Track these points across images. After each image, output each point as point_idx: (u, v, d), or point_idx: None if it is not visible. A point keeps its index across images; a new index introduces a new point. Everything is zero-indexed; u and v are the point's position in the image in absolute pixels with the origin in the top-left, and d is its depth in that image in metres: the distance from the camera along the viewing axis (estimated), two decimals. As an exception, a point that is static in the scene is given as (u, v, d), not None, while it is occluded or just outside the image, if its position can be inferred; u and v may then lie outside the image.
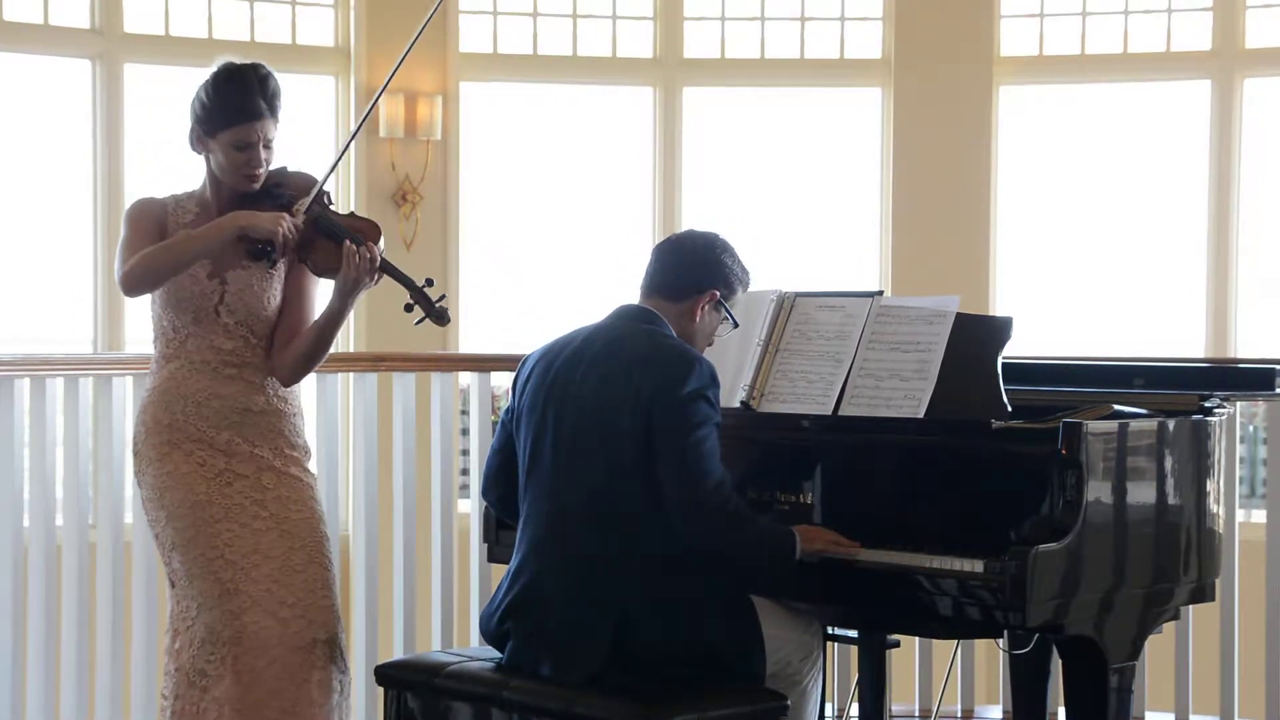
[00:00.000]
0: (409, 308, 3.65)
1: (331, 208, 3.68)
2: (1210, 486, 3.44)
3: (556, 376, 3.34)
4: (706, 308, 3.40)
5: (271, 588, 3.57)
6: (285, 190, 3.64)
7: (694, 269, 3.40)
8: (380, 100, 7.67)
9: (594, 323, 3.43)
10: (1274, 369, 3.63)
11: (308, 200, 3.62)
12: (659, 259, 3.44)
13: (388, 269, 3.61)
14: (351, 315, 3.72)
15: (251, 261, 3.61)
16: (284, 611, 3.57)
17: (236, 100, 3.56)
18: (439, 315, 3.65)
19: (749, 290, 3.52)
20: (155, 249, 3.55)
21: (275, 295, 3.66)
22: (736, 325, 3.49)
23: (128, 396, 4.41)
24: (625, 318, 3.40)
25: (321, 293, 3.72)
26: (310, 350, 3.67)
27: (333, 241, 3.60)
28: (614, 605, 3.18)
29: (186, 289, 3.59)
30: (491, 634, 3.39)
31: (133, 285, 3.56)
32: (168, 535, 3.58)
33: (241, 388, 3.62)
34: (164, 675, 3.64)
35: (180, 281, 3.58)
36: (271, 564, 3.58)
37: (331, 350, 3.70)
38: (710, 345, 3.47)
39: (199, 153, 3.65)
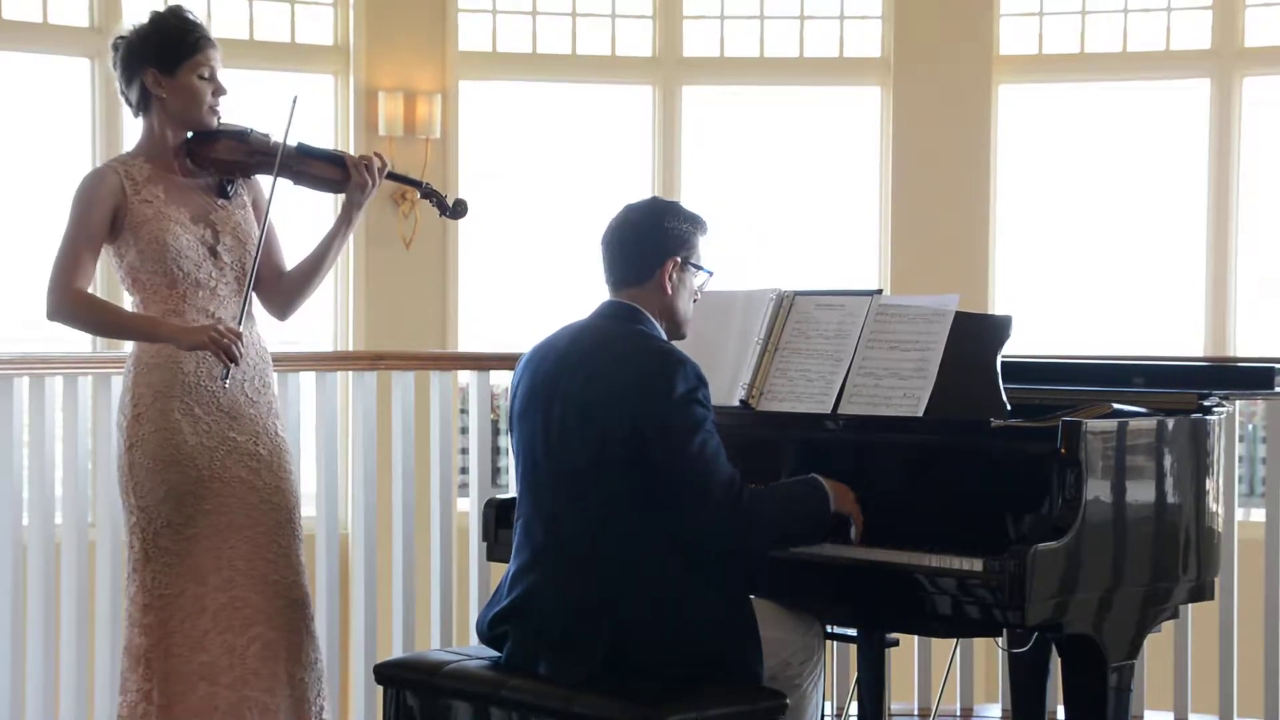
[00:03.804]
0: (427, 195, 3.74)
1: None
2: (1209, 485, 3.43)
3: (545, 380, 3.33)
4: (673, 275, 3.37)
5: (258, 564, 3.60)
6: (255, 133, 3.65)
7: (642, 248, 3.36)
8: (380, 98, 7.76)
9: (578, 321, 3.41)
10: (1273, 368, 3.63)
11: (283, 140, 3.61)
12: (607, 251, 3.40)
13: (392, 173, 3.70)
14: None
15: (225, 200, 3.64)
16: (268, 589, 3.61)
17: (193, 30, 3.59)
18: (456, 207, 3.75)
19: (707, 232, 3.43)
20: (107, 313, 3.61)
21: (255, 230, 3.68)
22: (711, 274, 3.44)
23: (127, 395, 4.41)
24: (608, 317, 3.37)
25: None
26: (311, 271, 3.71)
27: (323, 161, 3.65)
28: (610, 606, 3.17)
29: (180, 237, 3.56)
30: (487, 637, 3.39)
31: (61, 318, 3.58)
32: (161, 512, 3.54)
33: (246, 333, 3.60)
34: (126, 651, 3.59)
35: (173, 231, 3.55)
36: (262, 538, 3.61)
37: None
38: (698, 301, 3.45)
39: (143, 109, 3.61)
